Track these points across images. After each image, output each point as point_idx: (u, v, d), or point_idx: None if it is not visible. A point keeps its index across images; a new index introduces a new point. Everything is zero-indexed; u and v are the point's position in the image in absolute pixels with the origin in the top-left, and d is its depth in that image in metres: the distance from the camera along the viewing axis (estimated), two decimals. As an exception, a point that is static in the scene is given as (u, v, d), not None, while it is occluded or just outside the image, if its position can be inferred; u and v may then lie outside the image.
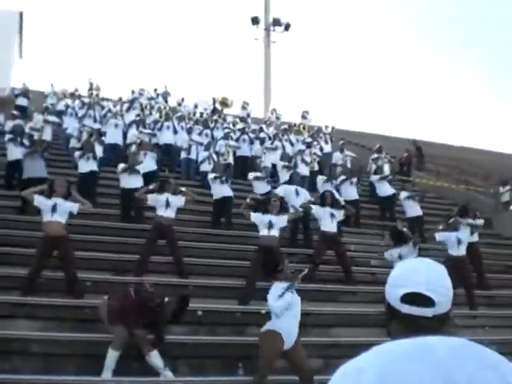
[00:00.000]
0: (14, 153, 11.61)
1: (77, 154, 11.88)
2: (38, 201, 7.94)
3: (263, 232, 9.07)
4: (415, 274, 1.51)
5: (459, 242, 9.69)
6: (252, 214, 9.26)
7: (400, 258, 8.54)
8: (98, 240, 9.53)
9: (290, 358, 6.15)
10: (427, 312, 1.47)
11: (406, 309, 1.49)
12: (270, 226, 9.04)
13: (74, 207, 8.07)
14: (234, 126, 17.65)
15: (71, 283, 7.73)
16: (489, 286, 10.68)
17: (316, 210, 10.15)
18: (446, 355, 1.32)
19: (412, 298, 1.48)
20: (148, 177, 11.56)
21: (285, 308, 6.04)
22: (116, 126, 15.15)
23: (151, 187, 9.56)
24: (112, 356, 6.13)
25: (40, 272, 7.74)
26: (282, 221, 9.23)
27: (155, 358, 6.30)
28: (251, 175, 12.84)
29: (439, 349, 1.33)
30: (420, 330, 1.43)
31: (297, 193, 11.14)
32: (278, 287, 6.20)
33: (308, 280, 8.42)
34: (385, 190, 13.86)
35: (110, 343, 6.17)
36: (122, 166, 11.07)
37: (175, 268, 9.07)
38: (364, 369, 1.33)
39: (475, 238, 10.83)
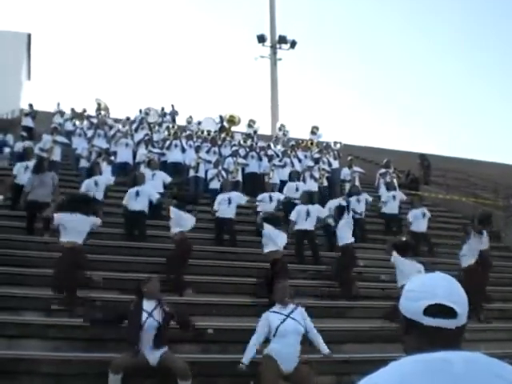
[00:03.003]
0: (23, 176, 11.39)
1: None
2: (59, 218, 7.91)
3: (271, 248, 9.08)
4: (436, 287, 1.52)
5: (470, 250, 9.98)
6: (266, 225, 9.26)
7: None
8: (104, 259, 9.42)
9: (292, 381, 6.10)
10: (451, 324, 1.48)
11: (430, 321, 1.49)
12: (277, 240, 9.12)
13: (94, 221, 8.21)
14: (244, 142, 17.67)
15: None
16: (489, 299, 10.52)
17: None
18: (463, 370, 1.32)
19: (436, 310, 1.48)
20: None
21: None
22: (126, 145, 15.40)
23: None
24: (113, 381, 5.81)
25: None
26: (284, 236, 9.29)
27: None
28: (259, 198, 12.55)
29: (456, 364, 1.33)
30: (441, 342, 1.44)
31: (308, 214, 10.98)
32: (271, 310, 6.28)
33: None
34: (391, 208, 13.79)
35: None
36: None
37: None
38: None
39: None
